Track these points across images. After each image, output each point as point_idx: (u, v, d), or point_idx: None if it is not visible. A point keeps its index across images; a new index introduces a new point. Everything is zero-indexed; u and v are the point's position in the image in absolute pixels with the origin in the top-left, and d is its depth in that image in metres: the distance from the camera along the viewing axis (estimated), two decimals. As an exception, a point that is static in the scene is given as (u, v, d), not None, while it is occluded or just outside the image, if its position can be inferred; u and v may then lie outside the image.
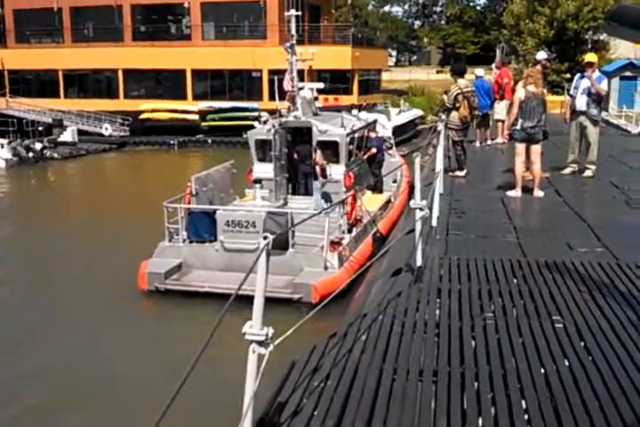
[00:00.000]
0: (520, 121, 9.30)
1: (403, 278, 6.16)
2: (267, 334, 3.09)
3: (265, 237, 3.08)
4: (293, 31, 16.49)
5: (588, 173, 11.22)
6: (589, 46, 39.87)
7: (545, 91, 9.87)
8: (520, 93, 9.33)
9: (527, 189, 9.88)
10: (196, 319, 11.60)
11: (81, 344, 10.35)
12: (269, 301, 9.89)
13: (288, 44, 16.14)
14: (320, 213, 10.47)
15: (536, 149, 9.58)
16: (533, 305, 5.28)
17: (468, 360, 4.30)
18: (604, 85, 11.14)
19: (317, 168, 15.36)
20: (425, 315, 5.13)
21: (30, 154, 32.36)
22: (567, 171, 11.57)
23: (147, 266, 13.05)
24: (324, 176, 15.32)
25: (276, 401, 3.73)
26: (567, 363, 4.26)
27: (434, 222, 7.51)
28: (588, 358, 4.35)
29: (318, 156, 15.26)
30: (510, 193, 9.80)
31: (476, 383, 4.00)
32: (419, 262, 5.89)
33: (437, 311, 5.25)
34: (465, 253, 6.77)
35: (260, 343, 3.10)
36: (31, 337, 10.82)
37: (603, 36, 44.04)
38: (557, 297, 5.43)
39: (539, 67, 11.81)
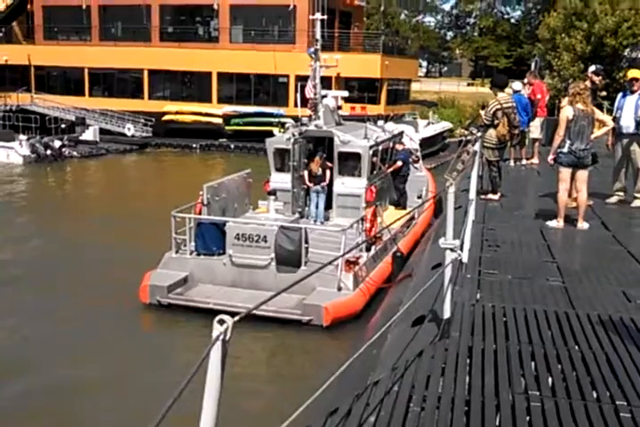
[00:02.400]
0: (568, 143, 8.18)
1: (426, 330, 5.11)
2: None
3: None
4: (318, 36, 15.62)
5: (637, 202, 10.04)
6: (627, 63, 38.58)
7: (595, 109, 8.76)
8: (568, 112, 8.21)
9: (569, 220, 8.77)
10: (196, 338, 10.79)
11: (67, 360, 9.78)
12: (278, 321, 9.02)
13: (312, 50, 15.30)
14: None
15: (583, 174, 8.46)
16: (589, 380, 4.21)
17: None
18: None
19: (305, 174, 14.75)
20: (452, 386, 4.09)
21: (48, 151, 31.79)
22: (613, 200, 10.40)
23: (150, 278, 12.34)
24: (316, 183, 14.63)
25: None
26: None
27: (465, 258, 6.44)
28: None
29: (315, 162, 14.50)
30: (551, 223, 8.69)
31: None
32: (447, 313, 4.85)
33: (467, 380, 4.21)
34: (501, 300, 5.70)
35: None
36: (25, 349, 10.32)
37: (642, 54, 42.70)
38: (619, 370, 4.35)
39: (588, 82, 10.66)
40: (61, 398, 8.78)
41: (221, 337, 2.08)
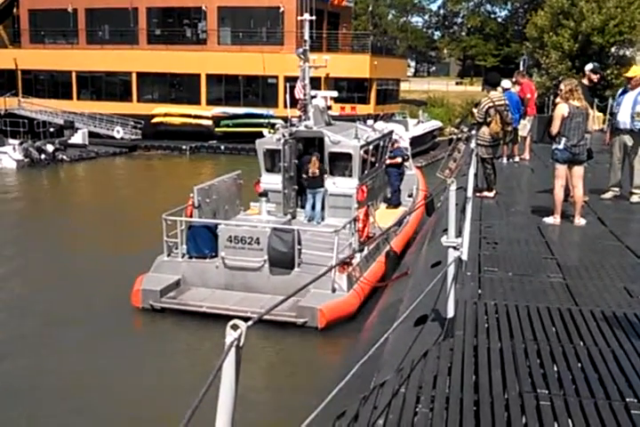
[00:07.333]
0: (563, 139, 8.15)
1: (429, 329, 5.05)
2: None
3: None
4: (307, 36, 15.57)
5: (635, 198, 10.02)
6: (614, 61, 38.72)
7: (588, 105, 8.74)
8: (563, 109, 8.18)
9: (565, 216, 8.74)
10: (192, 342, 10.68)
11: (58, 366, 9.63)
12: (272, 324, 8.90)
13: (301, 50, 15.22)
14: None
15: (579, 171, 8.45)
16: (597, 377, 4.16)
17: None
18: None
19: (309, 175, 14.62)
20: (459, 386, 4.03)
21: (42, 156, 31.68)
22: (608, 195, 10.38)
23: (142, 282, 12.20)
24: (318, 186, 14.52)
25: None
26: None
27: (464, 256, 6.37)
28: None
29: (312, 163, 14.40)
30: (548, 220, 8.66)
31: None
32: (450, 312, 4.78)
33: (474, 379, 4.14)
34: (503, 297, 5.65)
35: None
36: (16, 353, 10.19)
37: (628, 51, 42.85)
38: (626, 366, 4.30)
39: (585, 80, 10.66)
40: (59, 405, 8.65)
41: (235, 343, 2.01)
